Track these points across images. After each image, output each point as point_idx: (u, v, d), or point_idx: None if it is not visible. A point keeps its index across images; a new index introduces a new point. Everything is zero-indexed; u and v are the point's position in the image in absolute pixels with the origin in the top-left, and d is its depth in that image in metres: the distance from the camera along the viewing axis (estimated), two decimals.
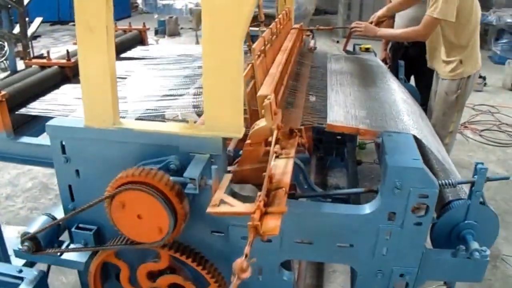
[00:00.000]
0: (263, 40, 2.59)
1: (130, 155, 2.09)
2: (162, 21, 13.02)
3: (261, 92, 2.15)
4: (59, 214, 2.41)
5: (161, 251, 2.20)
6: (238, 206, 1.67)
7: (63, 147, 2.18)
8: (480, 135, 6.44)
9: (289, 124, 2.29)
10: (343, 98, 2.72)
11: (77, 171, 2.22)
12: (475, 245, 2.16)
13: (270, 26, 2.96)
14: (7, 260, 2.88)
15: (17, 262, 2.63)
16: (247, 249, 1.46)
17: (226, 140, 2.04)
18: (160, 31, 13.03)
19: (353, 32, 4.42)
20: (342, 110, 2.50)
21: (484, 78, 8.24)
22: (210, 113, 1.94)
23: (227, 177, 1.91)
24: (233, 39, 1.77)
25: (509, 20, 10.02)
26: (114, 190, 1.93)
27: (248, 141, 2.04)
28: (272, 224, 1.50)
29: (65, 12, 14.43)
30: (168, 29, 13.14)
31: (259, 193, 1.64)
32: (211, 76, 1.86)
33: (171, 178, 1.92)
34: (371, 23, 4.47)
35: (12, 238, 3.01)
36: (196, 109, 2.71)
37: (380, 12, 4.53)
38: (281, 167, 1.80)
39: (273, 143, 1.88)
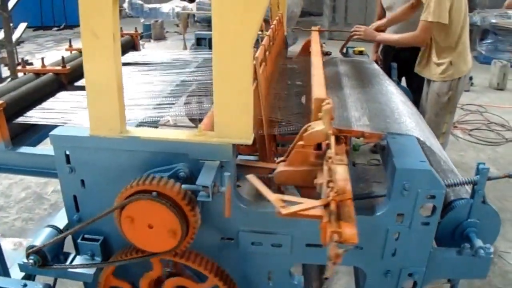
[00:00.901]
0: (264, 48, 2.58)
1: (137, 163, 2.06)
2: (147, 25, 13.02)
3: (318, 95, 2.12)
4: (60, 224, 2.38)
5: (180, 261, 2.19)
6: (308, 201, 1.63)
7: (67, 156, 2.14)
8: (470, 135, 6.53)
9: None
10: (344, 101, 2.72)
11: (82, 181, 2.18)
12: (479, 242, 2.20)
13: (268, 34, 2.96)
14: (6, 273, 2.83)
15: (16, 274, 2.55)
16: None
17: (235, 147, 2.03)
18: (146, 36, 13.01)
19: (352, 36, 4.43)
20: (345, 113, 2.50)
21: (470, 78, 8.30)
22: (220, 120, 1.93)
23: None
24: (243, 45, 1.77)
25: (493, 21, 10.17)
26: (124, 200, 1.91)
27: (300, 143, 2.02)
28: (350, 232, 1.48)
29: (48, 17, 14.40)
30: (154, 33, 13.14)
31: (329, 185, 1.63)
32: (221, 83, 1.85)
33: (183, 186, 1.90)
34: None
35: (9, 250, 2.97)
36: (188, 115, 2.70)
37: (379, 22, 4.59)
38: (341, 174, 1.78)
39: (332, 147, 1.86)
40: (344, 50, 4.52)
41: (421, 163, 2.08)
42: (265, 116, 2.41)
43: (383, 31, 4.60)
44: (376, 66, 3.86)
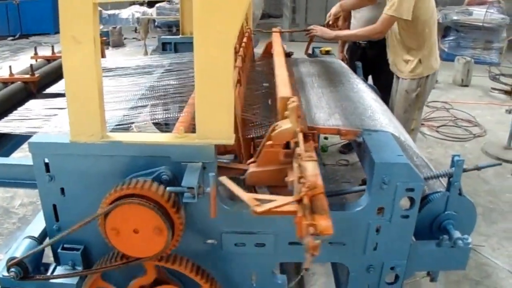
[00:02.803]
0: (238, 70, 2.57)
1: (119, 169, 2.05)
2: (105, 32, 12.70)
3: (283, 94, 2.14)
4: (35, 234, 2.34)
5: (147, 264, 2.18)
6: (281, 198, 1.63)
7: (46, 165, 2.10)
8: (437, 131, 6.58)
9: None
10: (317, 100, 2.75)
11: (62, 189, 2.14)
12: (457, 234, 2.24)
13: (240, 54, 2.94)
14: None
15: None
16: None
17: (217, 147, 2.04)
18: (104, 43, 12.71)
19: (312, 36, 4.46)
20: (320, 112, 2.53)
21: None
22: (202, 121, 1.94)
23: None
24: (224, 46, 1.79)
25: (454, 18, 10.33)
26: (109, 206, 1.90)
27: (269, 142, 2.02)
28: (325, 223, 1.50)
29: (3, 27, 14.05)
30: (112, 40, 12.88)
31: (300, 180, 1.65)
32: (203, 84, 1.87)
33: (168, 188, 1.90)
34: (328, 23, 4.58)
35: None
36: (153, 121, 2.69)
37: (333, 10, 4.64)
38: (311, 170, 1.79)
39: (301, 145, 1.87)
40: (310, 51, 4.56)
41: (399, 157, 2.13)
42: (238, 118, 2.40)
43: (338, 18, 4.67)
44: (344, 65, 3.91)
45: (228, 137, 1.96)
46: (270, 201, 1.62)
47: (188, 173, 1.93)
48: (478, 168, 2.37)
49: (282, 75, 2.54)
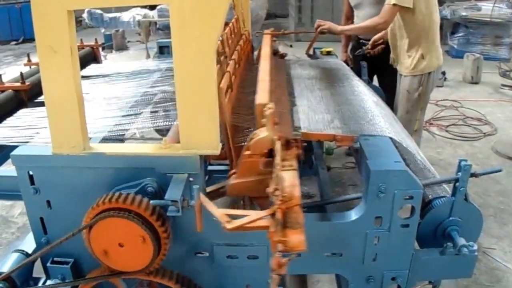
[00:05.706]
0: (229, 76, 2.47)
1: (103, 181, 1.99)
2: (108, 35, 12.65)
3: (260, 100, 2.07)
4: (28, 248, 2.29)
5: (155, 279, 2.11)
6: (253, 214, 1.59)
7: (31, 177, 2.06)
8: (447, 131, 6.46)
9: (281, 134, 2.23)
10: (315, 104, 2.67)
11: (48, 202, 2.10)
12: (462, 241, 2.16)
13: (233, 57, 2.85)
14: None
15: None
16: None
17: (203, 158, 1.98)
18: (107, 46, 12.70)
19: (319, 32, 4.37)
20: (316, 117, 2.45)
21: (444, 73, 8.30)
22: (186, 131, 1.88)
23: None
24: (205, 51, 1.73)
25: (463, 14, 10.18)
26: (92, 219, 1.84)
27: (247, 152, 1.96)
28: (297, 239, 1.43)
29: (5, 31, 14.05)
30: (115, 43, 12.86)
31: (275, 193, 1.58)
32: (184, 92, 1.81)
33: (151, 201, 1.84)
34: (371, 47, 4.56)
35: None
36: (154, 126, 2.64)
37: (377, 36, 4.55)
38: (289, 180, 1.72)
39: (278, 153, 1.80)
40: (311, 52, 4.47)
41: (396, 164, 2.05)
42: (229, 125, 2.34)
43: (379, 45, 4.61)
44: (345, 66, 3.83)
45: (213, 147, 1.90)
46: (243, 216, 1.58)
47: (172, 186, 1.88)
48: (476, 175, 2.28)
49: (264, 81, 2.44)
